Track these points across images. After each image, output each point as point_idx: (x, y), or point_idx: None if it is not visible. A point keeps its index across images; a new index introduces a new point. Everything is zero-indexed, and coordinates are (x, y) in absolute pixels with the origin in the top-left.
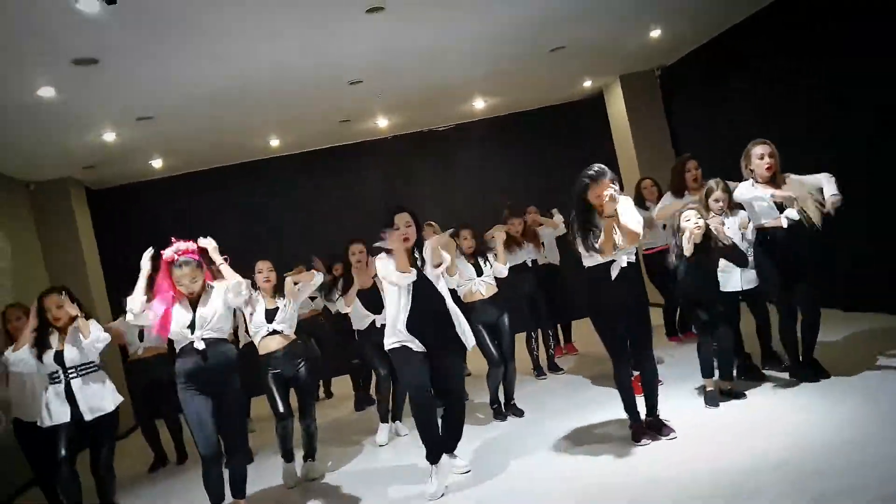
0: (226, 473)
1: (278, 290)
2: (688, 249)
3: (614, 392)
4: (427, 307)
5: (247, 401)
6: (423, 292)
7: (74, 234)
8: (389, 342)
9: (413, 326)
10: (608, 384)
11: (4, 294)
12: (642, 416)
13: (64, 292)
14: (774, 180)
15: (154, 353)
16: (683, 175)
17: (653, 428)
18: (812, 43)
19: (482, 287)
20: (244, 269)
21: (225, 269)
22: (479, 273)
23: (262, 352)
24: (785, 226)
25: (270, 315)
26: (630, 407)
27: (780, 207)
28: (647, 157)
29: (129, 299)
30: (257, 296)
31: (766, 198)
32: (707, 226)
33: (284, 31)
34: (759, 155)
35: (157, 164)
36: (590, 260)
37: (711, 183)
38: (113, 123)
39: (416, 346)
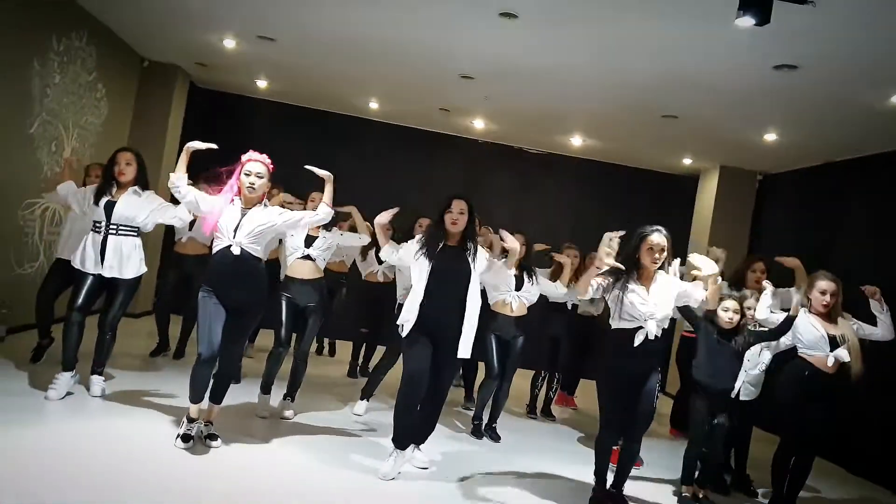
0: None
1: (326, 224)
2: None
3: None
4: (445, 296)
5: (256, 328)
6: (446, 284)
7: (165, 118)
8: (401, 321)
9: (426, 313)
10: (592, 446)
11: (87, 147)
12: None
13: (136, 156)
14: (829, 318)
15: (196, 251)
16: (746, 272)
17: (613, 500)
18: None
19: (515, 302)
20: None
21: (327, 194)
22: (519, 287)
23: (287, 273)
24: (830, 364)
25: (310, 241)
26: (601, 472)
27: (833, 344)
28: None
29: (172, 175)
30: None
31: (820, 329)
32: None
33: (419, 11)
34: (822, 290)
35: (261, 83)
36: (618, 322)
37: (746, 291)
38: (237, 32)
39: (424, 333)
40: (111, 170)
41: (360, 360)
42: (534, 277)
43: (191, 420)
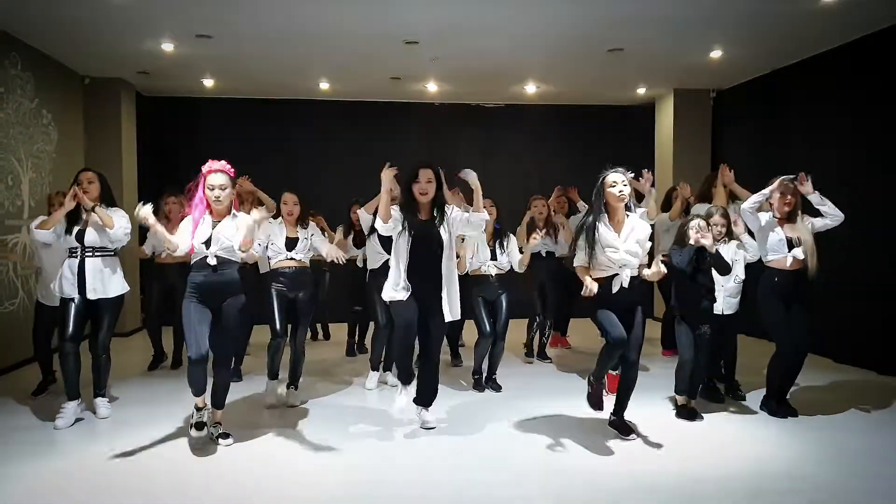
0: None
1: (300, 222)
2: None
3: None
4: (424, 264)
5: (250, 326)
6: (424, 250)
7: (118, 133)
8: (388, 295)
9: (409, 279)
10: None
11: (44, 175)
12: (607, 412)
13: (98, 175)
14: (792, 218)
15: (178, 259)
16: (711, 189)
17: (615, 427)
18: (860, 92)
19: (492, 270)
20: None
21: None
22: (494, 257)
23: (272, 266)
24: (788, 264)
25: (291, 244)
26: (601, 370)
27: (790, 245)
28: (684, 174)
29: (168, 241)
30: (280, 224)
31: (780, 232)
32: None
33: None
34: (783, 192)
35: (207, 83)
36: (593, 270)
37: (712, 208)
38: (173, 35)
39: (411, 299)
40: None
41: (356, 337)
42: (505, 246)
43: (199, 409)
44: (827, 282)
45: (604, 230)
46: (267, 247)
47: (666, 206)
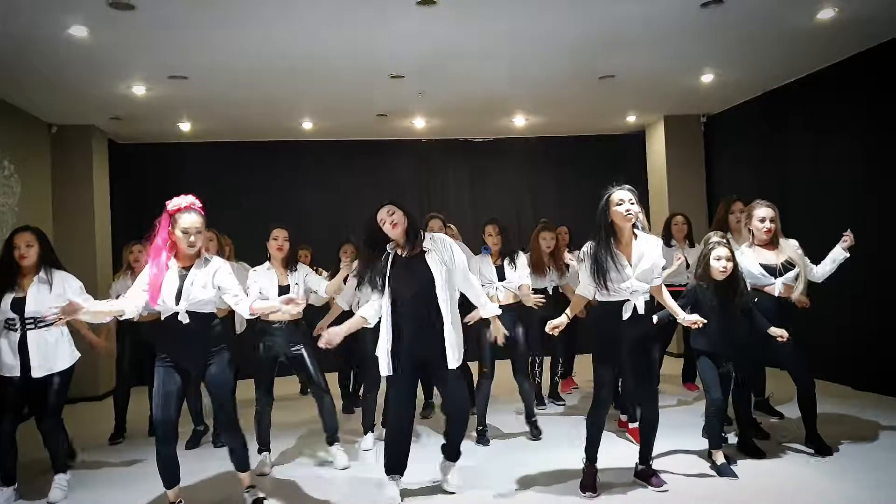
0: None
1: (290, 263)
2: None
3: (614, 436)
4: (414, 318)
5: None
6: (411, 300)
7: (89, 184)
8: (382, 369)
9: (401, 337)
10: (610, 425)
11: (5, 231)
12: (630, 462)
13: (37, 235)
14: (773, 243)
15: (151, 316)
16: (727, 216)
17: (643, 477)
18: (854, 111)
19: (500, 293)
20: (254, 243)
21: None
22: (502, 278)
23: (263, 318)
24: (777, 294)
25: (282, 292)
26: (592, 447)
27: (773, 272)
28: (679, 201)
29: (109, 311)
30: (269, 268)
31: (757, 263)
32: (735, 270)
33: (332, 14)
34: (761, 217)
35: (184, 126)
36: (602, 295)
37: (729, 236)
38: (144, 77)
39: (406, 366)
40: (10, 255)
41: (351, 388)
42: (514, 264)
43: None
44: (841, 306)
45: (612, 256)
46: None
47: (665, 235)
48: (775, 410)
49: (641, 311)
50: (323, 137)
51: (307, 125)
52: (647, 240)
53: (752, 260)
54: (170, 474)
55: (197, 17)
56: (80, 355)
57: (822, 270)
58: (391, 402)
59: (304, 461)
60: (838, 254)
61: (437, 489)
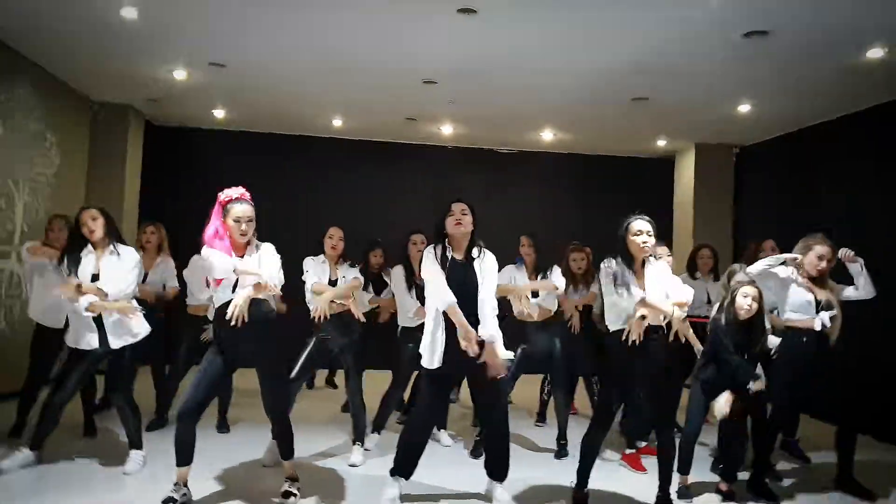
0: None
1: (344, 258)
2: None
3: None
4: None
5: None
6: (461, 295)
7: (122, 162)
8: (427, 361)
9: (447, 341)
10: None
11: (41, 201)
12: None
13: (100, 210)
14: (821, 282)
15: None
16: (695, 260)
17: None
18: (889, 155)
19: (534, 310)
20: (278, 239)
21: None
22: (536, 294)
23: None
24: (818, 328)
25: (332, 284)
26: (584, 472)
27: (818, 308)
28: (705, 231)
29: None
30: (323, 261)
31: (806, 293)
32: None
33: (371, 15)
34: (820, 255)
35: (219, 114)
36: (616, 323)
37: (742, 276)
38: (185, 62)
39: (445, 369)
40: (79, 231)
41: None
42: (549, 277)
43: (177, 484)
44: (864, 355)
45: (628, 283)
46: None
47: (691, 266)
48: (803, 454)
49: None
50: (351, 136)
51: (337, 122)
52: (659, 267)
53: (800, 291)
54: (183, 450)
55: (242, 6)
56: (150, 328)
57: (860, 287)
58: (425, 402)
59: (326, 455)
60: (855, 271)
61: (437, 496)
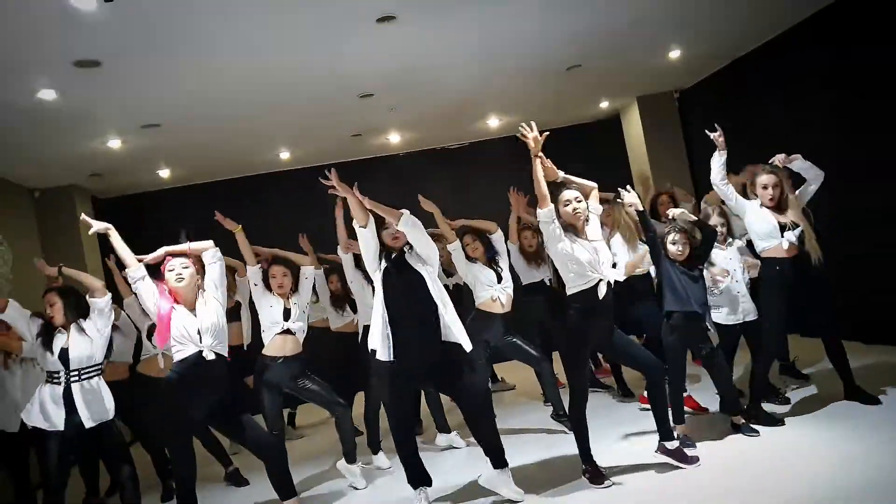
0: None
1: (293, 293)
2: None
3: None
4: (410, 307)
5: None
6: (407, 300)
7: (78, 243)
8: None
9: (398, 334)
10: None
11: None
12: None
13: (57, 292)
14: (780, 208)
15: (117, 375)
16: (657, 207)
17: (668, 454)
18: (829, 68)
19: (502, 296)
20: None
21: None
22: (500, 279)
23: (265, 352)
24: (785, 248)
25: (286, 314)
26: (586, 450)
27: (783, 230)
28: (664, 178)
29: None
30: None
31: (770, 218)
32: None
33: (293, 40)
34: (764, 184)
35: (164, 173)
36: (576, 285)
37: (708, 208)
38: (118, 130)
39: (404, 366)
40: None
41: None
42: (500, 265)
43: None
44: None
45: (574, 244)
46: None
47: (653, 215)
48: (801, 374)
49: (614, 281)
50: (302, 165)
51: (284, 155)
52: (593, 220)
53: (765, 215)
54: None
55: (159, 64)
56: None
57: (809, 177)
58: (389, 402)
59: (328, 485)
60: (797, 166)
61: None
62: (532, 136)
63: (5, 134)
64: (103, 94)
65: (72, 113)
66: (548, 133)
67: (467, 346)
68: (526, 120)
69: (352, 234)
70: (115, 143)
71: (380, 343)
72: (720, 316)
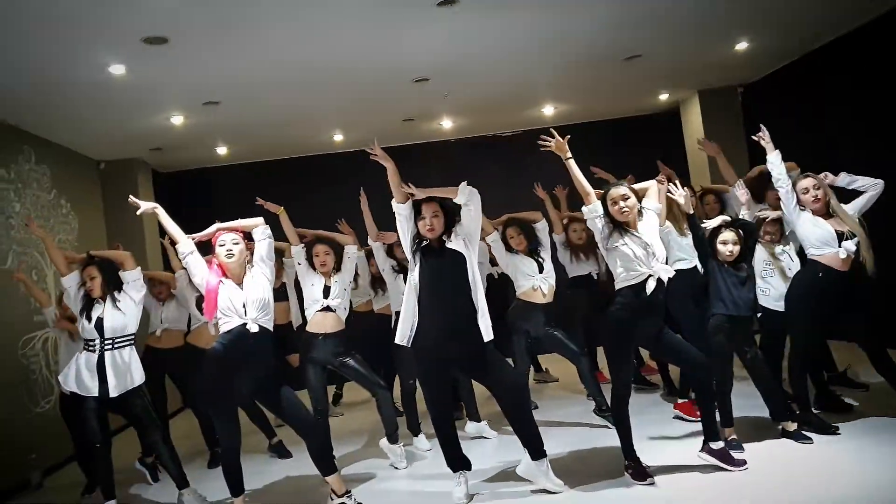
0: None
1: (336, 272)
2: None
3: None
4: (443, 294)
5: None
6: (443, 290)
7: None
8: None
9: (430, 322)
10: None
11: None
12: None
13: (97, 266)
14: (828, 214)
15: (172, 343)
16: (701, 206)
17: (715, 455)
18: None
19: (544, 286)
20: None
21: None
22: (541, 270)
23: (308, 328)
24: (843, 257)
25: (325, 291)
26: (630, 448)
27: (840, 239)
28: (721, 176)
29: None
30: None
31: (825, 225)
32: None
33: (352, 22)
34: (804, 188)
35: (221, 150)
36: (624, 280)
37: (759, 215)
38: (181, 106)
39: (432, 350)
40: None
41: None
42: (542, 255)
43: None
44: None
45: (625, 238)
46: None
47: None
48: (858, 382)
49: (665, 278)
50: (353, 148)
51: (338, 137)
52: (648, 214)
53: (817, 221)
54: (233, 482)
55: (222, 43)
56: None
57: (864, 185)
58: (426, 392)
59: (366, 464)
60: (844, 181)
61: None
62: (554, 142)
63: (76, 106)
64: (169, 71)
65: (138, 88)
66: (569, 137)
67: (487, 335)
68: (582, 110)
69: (380, 225)
70: (177, 119)
71: (402, 328)
72: (767, 300)
